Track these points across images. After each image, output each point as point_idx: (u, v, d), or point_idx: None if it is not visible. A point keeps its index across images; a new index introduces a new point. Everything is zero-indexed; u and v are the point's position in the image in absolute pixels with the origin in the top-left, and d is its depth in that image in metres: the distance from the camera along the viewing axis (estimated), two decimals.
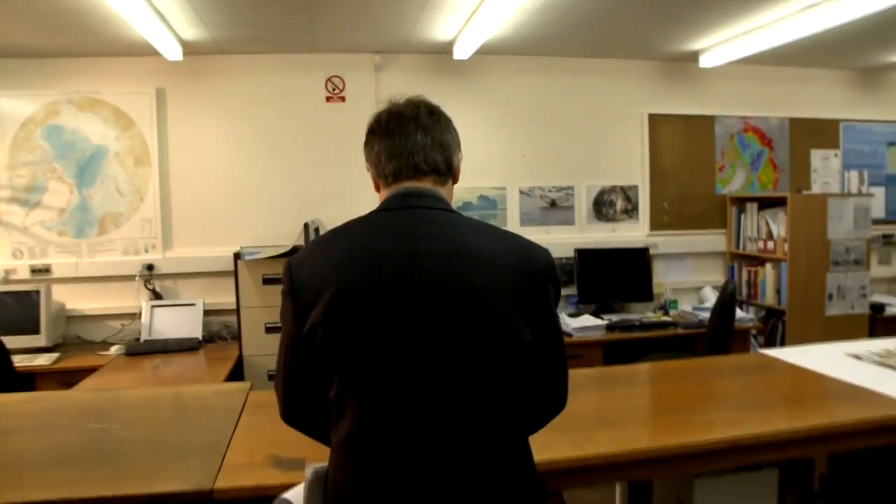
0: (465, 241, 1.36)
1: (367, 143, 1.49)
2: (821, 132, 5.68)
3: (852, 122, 5.75)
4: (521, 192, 5.13)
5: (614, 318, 4.74)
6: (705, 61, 4.95)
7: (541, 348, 1.38)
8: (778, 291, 4.97)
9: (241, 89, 4.68)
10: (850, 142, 5.77)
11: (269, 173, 4.73)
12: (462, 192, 4.99)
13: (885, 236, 5.71)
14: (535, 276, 1.37)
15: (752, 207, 5.24)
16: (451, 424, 1.30)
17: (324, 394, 1.37)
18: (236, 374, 3.99)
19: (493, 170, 5.05)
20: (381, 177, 1.47)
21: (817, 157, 5.71)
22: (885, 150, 5.88)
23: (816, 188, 5.69)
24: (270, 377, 4.13)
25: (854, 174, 5.78)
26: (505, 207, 5.12)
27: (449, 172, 1.49)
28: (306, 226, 3.66)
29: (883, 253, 5.74)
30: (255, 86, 4.69)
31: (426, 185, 1.44)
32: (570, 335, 4.38)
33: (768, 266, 5.05)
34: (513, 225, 5.11)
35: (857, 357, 2.88)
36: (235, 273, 4.14)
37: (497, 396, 1.34)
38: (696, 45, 4.78)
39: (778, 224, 4.97)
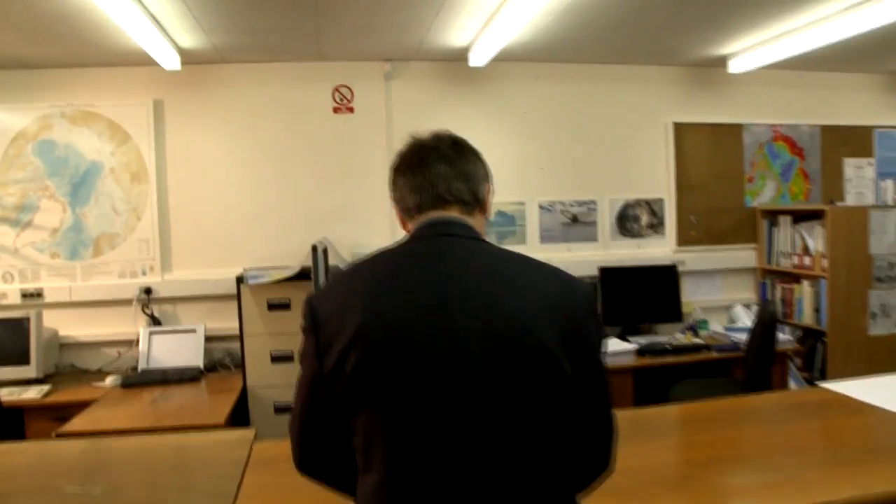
0: (501, 269, 1.28)
1: (391, 181, 1.44)
2: (854, 140, 5.39)
3: (887, 129, 5.46)
4: (541, 207, 4.85)
5: (642, 340, 4.44)
6: (734, 66, 4.67)
7: (582, 386, 1.25)
8: (816, 310, 4.66)
9: (243, 100, 4.41)
10: (885, 149, 5.47)
11: (273, 189, 4.45)
12: None
13: None
14: (575, 309, 1.27)
15: (785, 220, 4.94)
16: (490, 469, 1.17)
17: (345, 439, 1.26)
18: (240, 407, 3.70)
19: (510, 184, 4.76)
20: (406, 211, 1.40)
21: (850, 165, 5.41)
22: None
23: (850, 199, 5.39)
24: (277, 410, 3.85)
25: (889, 183, 5.48)
26: (524, 223, 4.83)
27: (476, 203, 1.41)
28: (314, 248, 3.37)
29: None
30: (258, 96, 4.42)
31: (452, 214, 1.36)
32: None
33: (805, 283, 4.75)
34: (532, 242, 4.83)
35: None
36: (238, 298, 3.85)
37: (540, 437, 1.22)
38: (724, 49, 4.50)
39: (815, 238, 4.66)
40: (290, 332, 3.85)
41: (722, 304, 5.10)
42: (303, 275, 3.69)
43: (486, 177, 1.43)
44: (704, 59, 4.72)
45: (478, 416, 1.17)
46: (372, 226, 4.54)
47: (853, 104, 5.37)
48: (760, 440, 2.25)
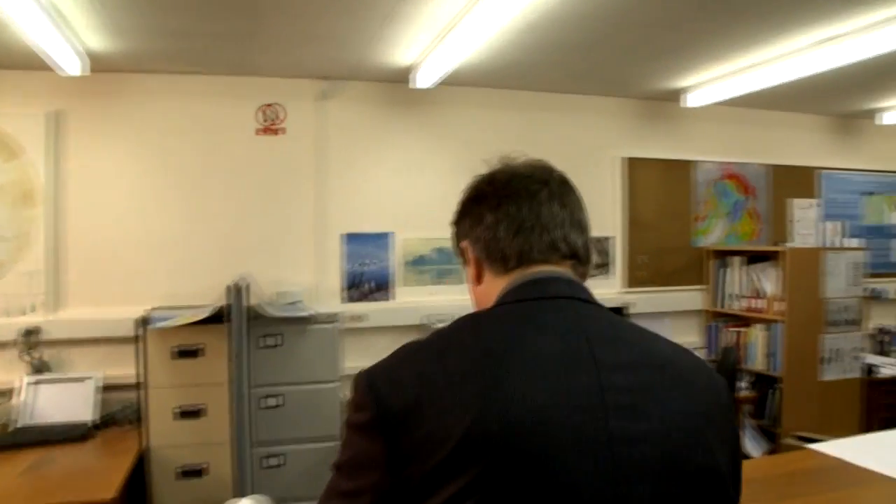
0: (651, 349, 0.96)
1: (467, 213, 1.12)
2: (801, 180, 5.28)
3: (831, 171, 5.38)
4: None
5: None
6: (691, 100, 4.45)
7: None
8: (770, 355, 4.43)
9: (155, 116, 3.88)
10: (830, 191, 5.39)
11: (187, 219, 3.91)
12: (416, 244, 4.31)
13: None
14: (729, 411, 0.98)
15: (736, 262, 4.73)
16: None
17: None
18: (139, 474, 3.14)
19: (451, 218, 4.37)
20: (497, 259, 1.06)
21: (797, 207, 5.28)
22: (861, 200, 5.53)
23: (796, 240, 5.25)
24: (183, 474, 3.30)
25: (832, 225, 5.38)
26: None
27: (588, 263, 1.09)
28: (231, 288, 2.87)
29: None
30: (174, 112, 3.90)
31: (566, 271, 1.05)
32: None
33: (758, 327, 4.52)
34: None
35: None
36: (141, 342, 3.30)
37: None
38: (683, 82, 4.27)
39: (768, 280, 4.46)
40: (200, 383, 3.33)
41: None
42: (218, 317, 3.18)
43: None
44: (660, 91, 4.49)
45: None
46: (298, 262, 4.07)
47: (801, 144, 5.27)
48: None
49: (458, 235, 1.14)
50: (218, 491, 3.30)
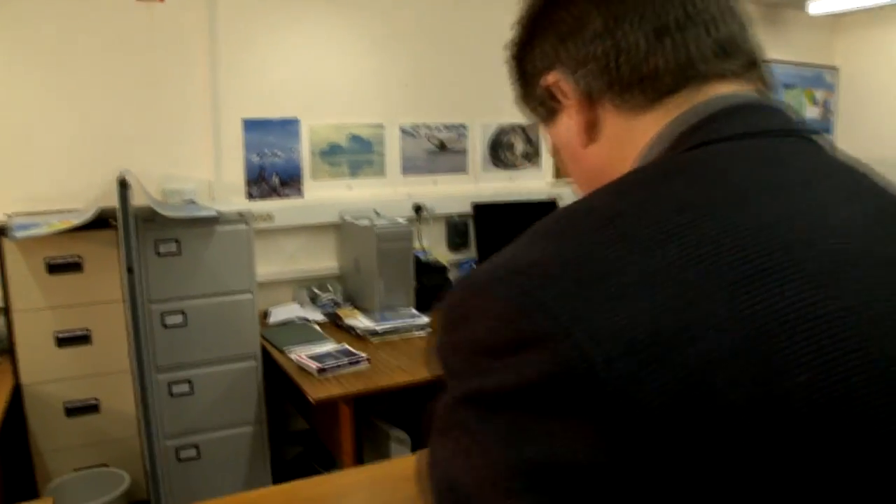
0: None
1: (544, 25, 0.65)
2: None
3: None
4: (403, 131, 3.98)
5: None
6: None
7: None
8: None
9: None
10: None
11: (49, 104, 3.12)
12: (328, 131, 3.76)
13: None
14: None
15: None
16: None
17: None
18: (14, 415, 2.56)
19: (367, 102, 3.83)
20: (635, 83, 0.59)
21: None
22: (782, 93, 5.40)
23: None
24: (69, 412, 2.75)
25: None
26: (383, 151, 3.94)
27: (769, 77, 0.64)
28: (123, 184, 2.26)
29: None
30: None
31: (759, 92, 0.60)
32: None
33: None
34: (393, 173, 3.98)
35: None
36: (0, 257, 2.64)
37: None
38: None
39: None
40: (83, 302, 2.73)
41: None
42: (101, 221, 2.56)
43: None
44: None
45: None
46: (189, 153, 3.42)
47: None
48: None
49: (533, 68, 0.68)
50: (119, 427, 2.80)
